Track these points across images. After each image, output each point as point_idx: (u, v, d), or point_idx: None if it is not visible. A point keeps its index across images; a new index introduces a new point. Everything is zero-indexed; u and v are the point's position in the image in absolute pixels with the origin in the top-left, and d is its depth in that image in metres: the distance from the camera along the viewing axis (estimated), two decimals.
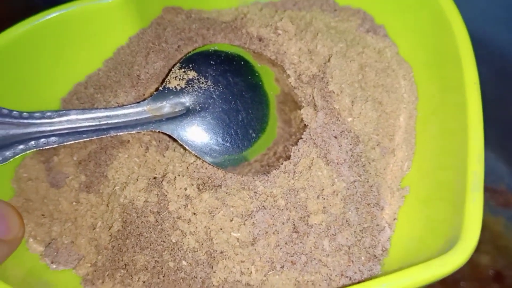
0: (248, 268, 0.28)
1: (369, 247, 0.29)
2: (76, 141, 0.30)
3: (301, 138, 0.32)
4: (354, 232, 0.29)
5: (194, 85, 0.32)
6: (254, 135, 0.32)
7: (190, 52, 0.34)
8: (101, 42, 0.37)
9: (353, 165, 0.30)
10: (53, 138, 0.29)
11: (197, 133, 0.31)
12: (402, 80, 0.35)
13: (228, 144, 0.31)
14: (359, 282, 0.27)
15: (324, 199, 0.29)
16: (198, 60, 0.32)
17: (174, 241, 0.29)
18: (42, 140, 0.29)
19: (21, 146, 0.29)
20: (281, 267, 0.28)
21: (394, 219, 0.31)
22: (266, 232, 0.28)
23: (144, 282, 0.29)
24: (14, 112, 0.30)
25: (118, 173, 0.32)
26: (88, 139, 0.30)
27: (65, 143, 0.30)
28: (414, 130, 0.34)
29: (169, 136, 0.32)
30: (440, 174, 0.30)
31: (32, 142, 0.29)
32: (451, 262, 0.23)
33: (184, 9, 0.38)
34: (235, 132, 0.31)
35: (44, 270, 0.31)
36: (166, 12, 0.37)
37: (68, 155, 0.34)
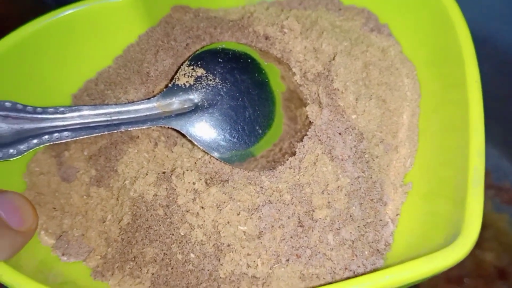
0: (254, 261, 0.28)
1: (373, 242, 0.30)
2: (88, 136, 0.30)
3: (306, 134, 0.32)
4: (358, 226, 0.29)
5: (203, 82, 0.32)
6: (260, 131, 0.32)
7: (198, 50, 0.34)
8: (111, 40, 0.37)
9: (357, 161, 0.31)
10: (66, 133, 0.30)
11: (205, 129, 0.31)
12: (405, 78, 0.35)
13: (235, 140, 0.31)
14: (362, 275, 0.28)
15: (329, 194, 0.30)
16: (206, 58, 0.33)
17: (182, 234, 0.29)
18: (55, 134, 0.30)
19: (35, 141, 0.29)
20: (286, 260, 0.28)
21: (397, 215, 0.32)
22: (272, 226, 0.29)
23: (152, 274, 0.30)
24: (28, 107, 0.30)
25: (128, 167, 0.32)
26: (99, 134, 0.31)
27: (77, 138, 0.30)
28: (417, 128, 0.34)
29: (178, 132, 0.32)
30: (442, 170, 0.30)
31: (46, 137, 0.29)
32: (452, 256, 0.23)
33: (192, 8, 0.38)
34: (242, 128, 0.32)
35: (55, 262, 0.31)
36: (175, 11, 0.38)
37: (79, 150, 0.34)
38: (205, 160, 0.32)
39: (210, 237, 0.29)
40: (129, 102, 0.33)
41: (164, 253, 0.30)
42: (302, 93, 0.34)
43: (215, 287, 0.29)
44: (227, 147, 0.31)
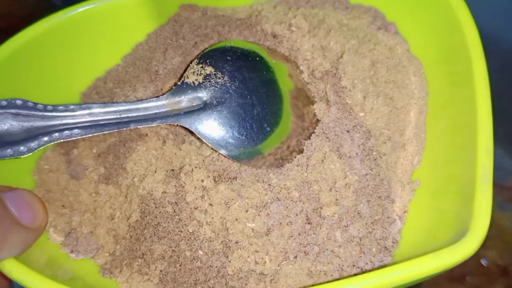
0: (262, 258, 0.28)
1: (380, 239, 0.30)
2: (97, 134, 0.31)
3: (314, 132, 0.32)
4: (366, 224, 0.29)
5: (211, 80, 0.32)
6: (268, 129, 0.32)
7: (207, 48, 0.34)
8: (119, 38, 0.37)
9: (365, 159, 0.31)
10: (76, 131, 0.30)
11: (214, 127, 0.31)
12: (412, 76, 0.35)
13: (243, 137, 0.31)
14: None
15: (337, 191, 0.30)
16: (215, 56, 0.33)
17: (191, 231, 0.29)
18: (66, 132, 0.30)
19: (46, 138, 0.29)
20: (294, 257, 0.28)
21: (405, 212, 0.32)
22: (280, 223, 0.29)
23: (161, 271, 0.30)
24: (39, 105, 0.30)
25: (137, 165, 0.32)
26: (109, 131, 0.31)
27: (87, 135, 0.30)
28: (424, 125, 0.34)
29: (186, 129, 0.32)
30: (449, 167, 0.30)
31: (56, 134, 0.30)
32: (461, 252, 0.23)
33: (200, 7, 0.39)
34: (250, 126, 0.32)
35: (64, 259, 0.31)
36: (183, 10, 0.38)
37: (88, 148, 0.34)
38: (213, 157, 0.32)
39: (218, 234, 0.29)
40: (138, 100, 0.33)
41: (173, 250, 0.30)
42: (309, 91, 0.34)
43: (223, 284, 0.29)
44: (235, 144, 0.31)
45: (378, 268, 0.28)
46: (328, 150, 0.31)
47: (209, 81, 0.32)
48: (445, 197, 0.30)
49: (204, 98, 0.32)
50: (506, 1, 0.41)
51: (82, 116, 0.31)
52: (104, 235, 0.32)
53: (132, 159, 0.33)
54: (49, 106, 0.30)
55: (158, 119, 0.31)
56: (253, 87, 0.32)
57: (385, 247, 0.30)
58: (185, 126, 0.31)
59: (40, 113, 0.30)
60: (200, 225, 0.29)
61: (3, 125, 0.29)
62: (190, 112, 0.32)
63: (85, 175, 0.34)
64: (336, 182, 0.30)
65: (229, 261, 0.29)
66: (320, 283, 0.28)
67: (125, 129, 0.31)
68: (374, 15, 0.38)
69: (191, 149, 0.33)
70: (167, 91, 0.33)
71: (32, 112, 0.30)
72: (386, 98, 0.34)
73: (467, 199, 0.26)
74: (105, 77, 0.37)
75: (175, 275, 0.29)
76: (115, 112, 0.31)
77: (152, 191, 0.31)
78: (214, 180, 0.31)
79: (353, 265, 0.29)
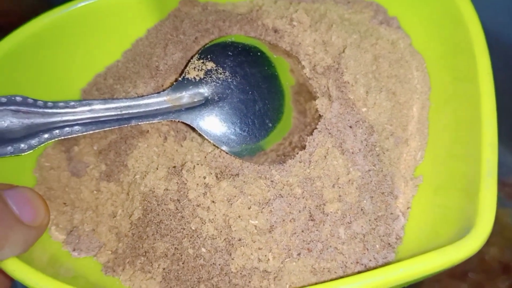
0: (265, 255, 0.28)
1: (384, 235, 0.29)
2: (98, 131, 0.30)
3: (316, 128, 0.32)
4: (369, 220, 0.29)
5: (213, 75, 0.32)
6: (270, 125, 0.32)
7: (208, 43, 0.34)
8: (119, 34, 0.37)
9: (368, 155, 0.31)
10: (76, 127, 0.30)
11: (216, 123, 0.31)
12: (415, 71, 0.35)
13: (245, 133, 0.31)
14: (374, 269, 0.27)
15: (340, 187, 0.29)
16: (216, 51, 0.33)
17: (193, 228, 0.29)
18: (66, 129, 0.30)
19: (46, 135, 0.29)
20: (297, 254, 0.28)
21: (408, 208, 0.31)
22: (283, 220, 0.29)
23: (164, 268, 0.30)
24: (39, 101, 0.30)
25: (138, 162, 0.32)
26: (110, 128, 0.31)
27: (88, 132, 0.30)
28: (427, 120, 0.34)
29: (187, 125, 0.32)
30: (453, 163, 0.30)
31: (57, 131, 0.30)
32: (467, 248, 0.23)
33: (200, 2, 0.38)
34: (252, 122, 0.31)
35: (66, 257, 0.31)
36: (183, 5, 0.38)
37: (89, 145, 0.34)
38: (215, 154, 0.32)
39: (221, 231, 0.29)
40: (139, 96, 0.33)
41: (175, 247, 0.30)
42: (311, 86, 0.34)
43: (227, 282, 0.29)
44: (237, 141, 0.31)
45: (382, 265, 0.29)
46: (331, 146, 0.31)
47: (210, 77, 0.32)
48: (448, 192, 0.30)
49: (206, 94, 0.32)
50: None
51: (83, 112, 0.31)
52: (106, 233, 0.32)
53: (134, 156, 0.32)
54: (49, 103, 0.30)
55: (159, 116, 0.31)
56: (255, 82, 0.32)
57: (389, 243, 0.29)
58: (187, 123, 0.31)
59: (41, 110, 0.30)
60: (202, 223, 0.29)
61: (3, 122, 0.29)
62: (192, 108, 0.31)
63: (86, 172, 0.33)
64: (339, 178, 0.30)
65: (232, 259, 0.29)
66: (324, 281, 0.28)
67: (126, 125, 0.31)
68: (376, 9, 0.38)
69: (192, 145, 0.33)
70: (168, 87, 0.32)
71: (32, 109, 0.30)
72: (389, 93, 0.33)
73: (472, 194, 0.26)
74: (105, 73, 0.37)
75: (178, 273, 0.29)
76: (116, 108, 0.31)
77: (154, 188, 0.31)
78: (216, 177, 0.30)
79: (357, 262, 0.29)
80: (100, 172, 0.33)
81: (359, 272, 0.28)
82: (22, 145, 0.29)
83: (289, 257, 0.28)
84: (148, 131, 0.33)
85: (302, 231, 0.29)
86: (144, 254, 0.30)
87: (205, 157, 0.32)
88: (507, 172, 0.48)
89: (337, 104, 0.32)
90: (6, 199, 0.26)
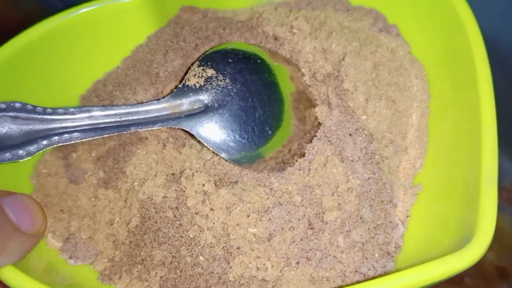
0: (264, 264, 0.28)
1: (383, 244, 0.29)
2: (97, 137, 0.30)
3: (316, 135, 0.32)
4: (368, 229, 0.29)
5: (213, 82, 0.32)
6: (270, 132, 0.32)
7: (208, 50, 0.34)
8: (119, 41, 0.37)
9: (367, 163, 0.31)
10: (75, 134, 0.30)
11: (215, 130, 0.31)
12: (414, 79, 0.35)
13: (245, 141, 0.31)
14: (373, 278, 0.28)
15: (339, 196, 0.29)
16: (216, 59, 0.33)
17: (191, 236, 0.29)
18: (65, 135, 0.30)
19: (45, 142, 0.29)
20: (296, 263, 0.28)
21: (407, 216, 0.31)
22: (282, 228, 0.29)
23: (161, 277, 0.29)
24: (38, 108, 0.30)
25: (137, 169, 0.32)
26: (109, 135, 0.30)
27: (87, 139, 0.30)
28: (426, 128, 0.34)
29: (186, 132, 0.32)
30: (453, 171, 0.30)
31: (56, 138, 0.29)
32: (467, 257, 0.23)
33: (201, 9, 0.38)
34: (252, 129, 0.31)
35: (63, 265, 0.31)
36: (183, 12, 0.38)
37: (87, 151, 0.34)
38: (214, 161, 0.32)
39: (219, 239, 0.29)
40: (138, 103, 0.33)
41: (173, 256, 0.29)
42: (311, 93, 0.34)
43: None
44: (237, 148, 0.31)
45: (381, 274, 0.28)
46: (330, 153, 0.31)
47: (210, 84, 0.32)
48: (448, 201, 0.30)
49: (205, 101, 0.32)
50: (505, 4, 0.41)
51: (82, 119, 0.31)
52: (103, 240, 0.32)
53: (132, 163, 0.32)
54: (48, 109, 0.30)
55: (158, 122, 0.31)
56: (255, 90, 0.32)
57: (388, 252, 0.29)
58: (186, 129, 0.31)
59: (39, 116, 0.30)
60: (201, 231, 0.29)
61: (1, 128, 0.29)
62: (191, 115, 0.31)
63: (84, 179, 0.33)
64: (338, 186, 0.30)
65: (231, 267, 0.28)
66: None
67: (125, 132, 0.31)
68: (376, 17, 0.38)
69: (191, 152, 0.33)
70: (168, 94, 0.32)
71: (31, 115, 0.30)
72: (388, 101, 0.34)
73: (472, 203, 0.26)
74: (104, 79, 0.37)
75: (175, 281, 0.29)
76: (115, 115, 0.31)
77: (152, 195, 0.30)
78: (215, 184, 0.30)
79: (356, 271, 0.28)
80: (98, 179, 0.33)
81: (358, 281, 0.28)
82: (21, 152, 0.29)
83: (288, 266, 0.28)
84: (147, 138, 0.33)
85: (301, 240, 0.29)
86: (141, 262, 0.30)
87: (204, 164, 0.32)
88: (503, 177, 0.48)
89: (336, 111, 0.32)
90: (4, 206, 0.26)
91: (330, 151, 0.31)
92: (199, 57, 0.34)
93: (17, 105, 0.30)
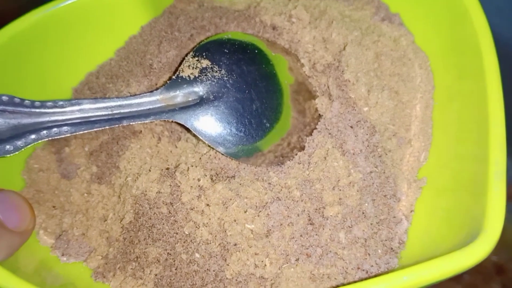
0: (262, 261, 0.28)
1: (386, 240, 0.29)
2: (88, 131, 0.30)
3: (316, 128, 0.31)
4: (371, 224, 0.29)
5: (208, 74, 0.32)
6: (268, 125, 0.31)
7: (203, 40, 0.34)
8: (112, 31, 0.37)
9: (370, 156, 0.30)
10: (65, 128, 0.29)
11: (211, 123, 0.31)
12: (418, 69, 0.35)
13: (242, 134, 0.31)
14: (376, 275, 0.27)
15: (340, 190, 0.29)
16: (211, 49, 0.32)
17: (187, 233, 0.29)
18: (54, 129, 0.29)
19: (33, 136, 0.29)
20: (296, 260, 0.28)
21: (411, 211, 0.31)
22: (281, 224, 0.28)
23: (156, 275, 0.29)
24: (26, 101, 0.29)
25: (130, 163, 0.32)
26: (100, 128, 0.30)
27: (77, 133, 0.30)
28: (430, 120, 0.33)
29: (182, 126, 0.32)
30: (459, 164, 0.30)
31: (44, 132, 0.29)
32: (475, 254, 0.23)
33: None
34: (249, 122, 0.31)
35: (55, 263, 0.31)
36: (179, 1, 0.37)
37: (80, 146, 0.34)
38: (210, 155, 0.31)
39: (216, 236, 0.29)
40: (131, 95, 0.32)
41: (168, 253, 0.29)
42: (311, 85, 0.34)
43: None
44: (233, 141, 0.31)
45: (384, 271, 0.28)
46: (331, 146, 0.30)
47: (205, 75, 0.32)
48: (454, 195, 0.29)
49: (200, 93, 0.31)
50: (501, 0, 0.41)
51: (72, 112, 0.30)
52: (97, 237, 0.32)
53: (126, 157, 0.32)
54: (36, 102, 0.30)
55: (151, 115, 0.31)
56: (252, 81, 0.32)
57: (391, 248, 0.29)
58: (181, 123, 0.31)
59: (27, 110, 0.29)
60: (196, 227, 0.29)
61: None
62: (186, 107, 0.31)
63: (77, 174, 0.33)
64: (339, 180, 0.29)
65: (227, 265, 0.28)
66: None
67: (117, 125, 0.30)
68: (378, 5, 0.38)
69: (187, 146, 0.32)
70: (162, 86, 0.32)
71: (19, 109, 0.29)
72: (391, 92, 0.33)
73: (479, 197, 0.25)
74: (97, 71, 0.37)
75: (170, 279, 0.29)
76: (106, 108, 0.31)
77: (146, 191, 0.30)
78: (211, 179, 0.30)
79: (358, 268, 0.28)
80: (91, 174, 0.33)
81: (360, 279, 0.27)
82: (8, 146, 0.28)
83: (287, 263, 0.28)
84: (141, 131, 0.33)
85: (301, 236, 0.28)
86: (135, 259, 0.30)
87: (200, 158, 0.31)
88: None
89: (337, 103, 0.32)
90: None
91: (331, 144, 0.30)
92: (193, 48, 0.33)
93: (4, 98, 0.29)
